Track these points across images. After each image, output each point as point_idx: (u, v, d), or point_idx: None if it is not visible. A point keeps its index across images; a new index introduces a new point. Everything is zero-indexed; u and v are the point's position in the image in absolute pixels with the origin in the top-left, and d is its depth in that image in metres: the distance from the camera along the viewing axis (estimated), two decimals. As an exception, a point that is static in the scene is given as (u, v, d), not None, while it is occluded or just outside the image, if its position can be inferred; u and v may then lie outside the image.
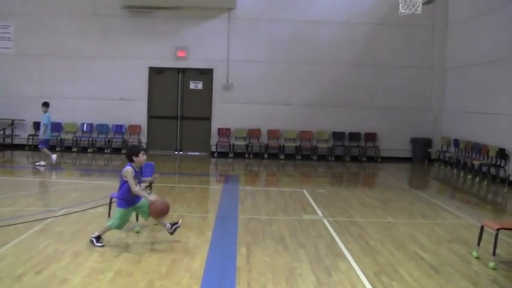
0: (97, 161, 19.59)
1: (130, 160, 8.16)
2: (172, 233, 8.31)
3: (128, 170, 8.04)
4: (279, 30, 21.49)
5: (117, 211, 8.21)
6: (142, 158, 8.19)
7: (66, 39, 21.29)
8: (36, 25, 21.30)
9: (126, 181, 8.05)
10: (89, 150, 21.05)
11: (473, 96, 19.03)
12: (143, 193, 8.24)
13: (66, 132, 21.34)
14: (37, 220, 9.56)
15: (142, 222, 9.39)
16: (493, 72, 17.59)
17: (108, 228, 8.23)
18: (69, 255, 7.66)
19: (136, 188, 8.05)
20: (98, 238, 8.15)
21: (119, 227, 8.24)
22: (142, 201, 8.20)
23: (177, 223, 8.44)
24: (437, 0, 12.81)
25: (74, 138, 21.18)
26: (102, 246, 8.06)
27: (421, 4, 10.77)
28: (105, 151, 21.12)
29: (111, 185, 13.36)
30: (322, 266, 7.65)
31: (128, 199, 8.13)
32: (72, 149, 21.08)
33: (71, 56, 21.29)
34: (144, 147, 21.23)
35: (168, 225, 8.33)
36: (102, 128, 21.39)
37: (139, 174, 8.24)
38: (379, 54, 21.55)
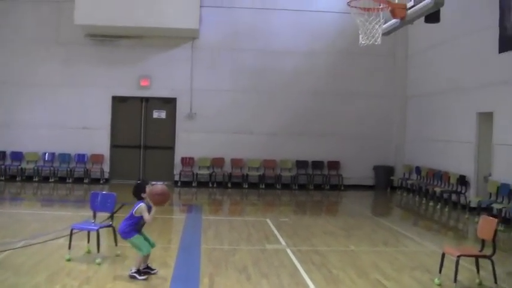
0: (58, 191, 19.32)
1: (140, 197, 8.16)
2: (138, 274, 8.13)
3: (141, 206, 8.09)
4: (242, 59, 21.62)
5: (135, 239, 8.20)
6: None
7: (28, 66, 21.08)
8: (-3, 52, 21.12)
9: (137, 217, 8.13)
10: (50, 180, 20.75)
11: (433, 124, 19.33)
12: (152, 215, 8.19)
13: (28, 162, 21.02)
14: (-5, 252, 9.39)
15: (104, 252, 9.28)
16: (452, 100, 17.92)
17: (141, 257, 8.21)
18: (28, 288, 7.53)
19: (150, 217, 8.12)
20: (138, 272, 8.12)
21: (148, 249, 8.23)
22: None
23: (153, 270, 8.41)
24: (398, 31, 12.99)
25: (35, 167, 20.88)
26: (145, 278, 8.08)
27: (380, 35, 10.92)
28: (67, 181, 20.83)
29: (73, 216, 13.24)
30: (284, 295, 7.63)
31: (136, 229, 8.22)
32: (34, 179, 20.76)
33: (33, 84, 21.07)
34: (107, 176, 21.07)
35: (144, 266, 8.30)
36: (64, 158, 21.14)
37: (151, 208, 8.20)
38: (341, 83, 21.79)
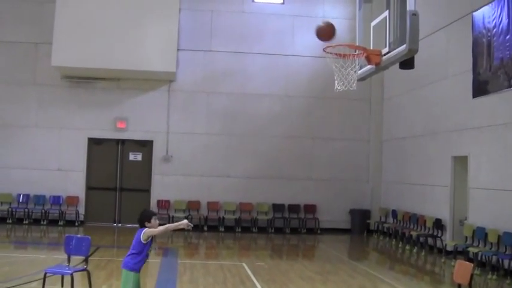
0: (32, 233, 19.04)
1: (143, 225, 7.70)
2: None
3: (146, 230, 7.53)
4: (218, 102, 21.71)
5: (131, 276, 7.43)
6: (155, 223, 7.74)
7: (3, 107, 20.92)
8: (-28, 93, 20.99)
9: (144, 244, 7.52)
10: (24, 222, 20.44)
11: (409, 167, 19.48)
12: (173, 226, 7.85)
13: (1, 203, 20.73)
14: (-34, 297, 9.20)
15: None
16: (428, 144, 18.11)
17: None
18: (-2, 334, 7.36)
19: (162, 229, 7.61)
20: None
21: None
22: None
23: None
24: (373, 77, 13.17)
25: (9, 209, 20.59)
26: None
27: (355, 81, 11.05)
28: (42, 223, 20.55)
29: (46, 259, 13.06)
30: None
31: (141, 263, 7.54)
32: (7, 221, 20.44)
33: (9, 124, 20.91)
34: (82, 218, 20.85)
35: None
36: (39, 199, 20.89)
37: (151, 240, 7.74)
38: (317, 126, 21.94)
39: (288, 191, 21.63)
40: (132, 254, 7.50)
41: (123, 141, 21.62)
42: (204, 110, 21.69)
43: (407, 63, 10.88)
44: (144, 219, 7.73)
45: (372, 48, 11.20)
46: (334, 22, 10.80)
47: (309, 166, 21.84)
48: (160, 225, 7.60)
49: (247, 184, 21.51)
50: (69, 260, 9.57)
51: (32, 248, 16.35)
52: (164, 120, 21.49)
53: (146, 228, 7.58)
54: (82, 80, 21.16)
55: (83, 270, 9.46)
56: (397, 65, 11.10)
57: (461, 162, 16.16)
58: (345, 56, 10.85)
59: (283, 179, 21.69)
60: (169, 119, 21.52)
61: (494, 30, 13.99)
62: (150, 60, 19.85)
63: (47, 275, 9.11)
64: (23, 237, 18.49)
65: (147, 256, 7.57)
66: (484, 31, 14.52)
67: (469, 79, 15.12)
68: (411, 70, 12.50)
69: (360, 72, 11.69)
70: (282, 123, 21.82)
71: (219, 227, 21.02)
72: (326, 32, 7.66)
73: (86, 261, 9.60)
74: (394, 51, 10.28)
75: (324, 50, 10.64)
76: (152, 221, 7.72)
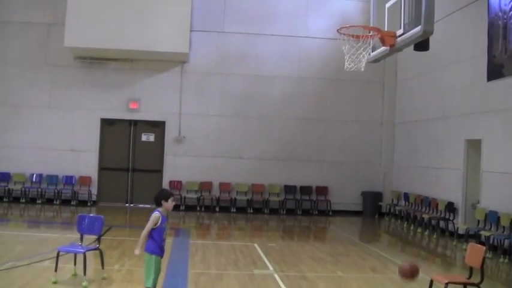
0: (45, 213, 19.17)
1: (159, 204, 7.70)
2: None
3: (155, 215, 7.53)
4: (231, 84, 21.67)
5: (153, 259, 7.47)
6: (171, 204, 7.80)
7: (16, 88, 21.03)
8: (-14, 74, 21.07)
9: (153, 229, 7.52)
10: (37, 202, 20.59)
11: (422, 150, 19.41)
12: (141, 241, 7.50)
13: (15, 183, 20.88)
14: (-20, 275, 9.29)
15: (90, 276, 9.19)
16: (441, 127, 18.02)
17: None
18: (12, 311, 7.43)
19: (145, 233, 7.46)
20: None
21: (151, 283, 7.48)
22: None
23: None
24: (387, 58, 13.12)
25: (23, 188, 20.74)
26: None
27: (365, 62, 11.02)
28: (54, 202, 20.69)
29: (59, 238, 13.14)
30: (272, 322, 7.58)
31: (160, 245, 7.54)
32: (20, 200, 20.60)
33: (22, 105, 21.01)
34: (94, 199, 20.97)
35: None
36: (52, 179, 21.02)
37: (165, 220, 7.69)
38: (330, 109, 21.88)
39: (300, 172, 21.62)
40: (151, 237, 7.53)
41: (135, 122, 21.66)
42: (217, 91, 21.66)
43: (422, 45, 10.83)
44: (160, 198, 7.72)
45: (386, 29, 11.15)
46: (349, 3, 10.71)
47: (321, 148, 21.80)
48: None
49: (260, 165, 21.51)
50: (81, 239, 9.64)
51: (45, 227, 16.46)
52: (177, 101, 21.48)
53: (157, 214, 7.56)
54: (95, 60, 21.18)
55: (95, 249, 9.53)
56: (412, 47, 11.05)
57: (474, 146, 16.07)
58: (359, 37, 10.81)
59: (295, 161, 21.68)
60: (181, 100, 21.52)
61: (511, 12, 13.83)
62: (162, 41, 19.80)
63: (60, 253, 9.18)
64: (36, 216, 18.62)
65: (163, 240, 7.60)
66: (500, 13, 14.35)
67: (484, 62, 14.97)
68: (425, 52, 12.46)
69: (373, 54, 11.65)
70: (295, 105, 21.76)
71: (231, 208, 21.07)
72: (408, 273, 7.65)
73: (98, 240, 9.67)
74: (409, 32, 10.22)
75: (337, 31, 10.59)
76: (169, 201, 7.74)
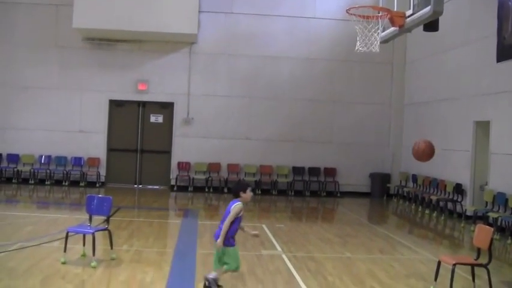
0: (54, 194, 19.27)
1: (237, 195, 7.84)
2: (216, 285, 7.80)
3: (239, 206, 7.72)
4: (239, 65, 21.62)
5: (233, 250, 7.82)
6: (249, 194, 7.88)
7: (25, 69, 21.06)
8: (-5, 55, 21.11)
9: (237, 218, 7.74)
10: (46, 183, 20.70)
11: (430, 132, 19.31)
12: (224, 233, 7.70)
13: (24, 164, 20.98)
14: (-10, 255, 9.36)
15: (99, 256, 9.25)
16: (450, 108, 17.95)
17: (226, 271, 7.93)
18: (22, 291, 7.50)
19: (228, 224, 7.68)
20: (215, 282, 7.78)
21: (238, 265, 7.94)
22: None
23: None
24: (396, 39, 13.06)
25: (31, 170, 20.84)
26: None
27: (378, 43, 10.95)
28: (63, 184, 20.79)
29: (68, 219, 13.22)
30: (280, 302, 7.62)
31: (234, 236, 7.81)
32: (30, 181, 20.72)
33: (30, 86, 21.05)
34: (103, 180, 21.05)
35: (215, 276, 7.82)
36: (61, 161, 21.10)
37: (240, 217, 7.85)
38: (338, 90, 21.80)
39: (308, 154, 21.60)
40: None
41: (144, 103, 21.66)
42: (226, 72, 21.62)
43: (431, 25, 10.77)
44: (239, 189, 7.86)
45: (395, 10, 11.08)
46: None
47: (329, 129, 21.77)
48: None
49: (268, 147, 21.52)
50: (90, 220, 9.69)
51: (54, 208, 16.57)
52: (185, 82, 21.46)
53: (239, 204, 7.72)
54: (103, 41, 21.17)
55: (104, 229, 9.58)
56: (421, 27, 10.98)
57: (483, 128, 16.02)
58: (368, 17, 10.75)
59: (303, 142, 21.66)
60: (190, 81, 21.49)
61: (521, -8, 13.73)
62: (171, 22, 19.73)
63: (69, 234, 9.24)
64: (45, 197, 18.72)
65: (236, 230, 7.82)
66: (510, -6, 14.24)
67: (494, 43, 14.89)
68: (434, 33, 12.38)
69: (383, 34, 11.59)
70: (304, 87, 21.69)
71: (239, 189, 21.04)
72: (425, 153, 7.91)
73: (107, 221, 9.72)
74: (419, 13, 10.16)
75: (347, 12, 10.54)
76: (247, 191, 7.85)
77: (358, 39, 10.97)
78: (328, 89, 21.77)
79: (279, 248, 11.28)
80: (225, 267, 7.81)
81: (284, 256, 10.52)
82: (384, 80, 22.03)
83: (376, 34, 11.20)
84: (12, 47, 21.07)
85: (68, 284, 7.89)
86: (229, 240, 7.71)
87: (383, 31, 11.65)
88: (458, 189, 16.73)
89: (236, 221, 7.73)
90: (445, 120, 18.24)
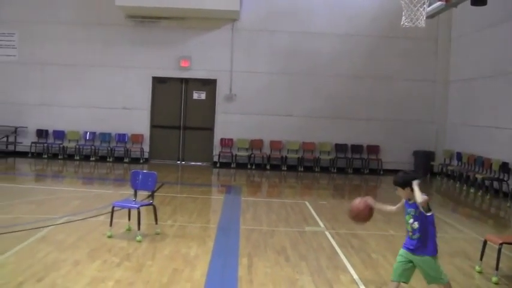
0: (99, 170, 19.57)
1: (404, 187, 6.49)
2: None
3: (425, 198, 6.18)
4: (281, 41, 21.50)
5: (433, 262, 6.28)
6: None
7: (69, 47, 21.33)
8: (40, 33, 21.34)
9: (428, 215, 6.26)
10: (91, 159, 21.02)
11: (475, 109, 19.02)
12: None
13: (69, 140, 21.32)
14: (38, 228, 9.54)
15: (144, 230, 9.36)
16: (496, 86, 17.59)
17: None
18: (69, 263, 7.62)
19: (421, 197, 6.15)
20: None
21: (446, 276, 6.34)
22: None
23: None
24: (441, 14, 12.81)
25: (77, 146, 21.17)
26: None
27: (424, 18, 10.75)
28: (108, 160, 21.08)
29: (113, 194, 13.41)
30: (323, 278, 7.62)
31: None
32: (75, 157, 21.06)
33: (74, 64, 21.33)
34: (147, 156, 21.26)
35: None
36: (105, 137, 21.38)
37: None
38: (381, 66, 21.52)
39: (351, 131, 21.45)
40: (419, 237, 6.34)
41: (186, 80, 21.75)
42: (267, 48, 21.54)
43: (479, -1, 10.53)
44: (410, 179, 6.45)
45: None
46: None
47: (372, 106, 21.55)
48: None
49: (310, 123, 21.42)
50: (135, 195, 9.80)
51: (99, 184, 16.80)
52: (228, 59, 21.45)
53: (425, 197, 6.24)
54: (146, 19, 21.27)
55: (149, 204, 9.68)
56: (469, 1, 10.75)
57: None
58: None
59: (346, 119, 21.51)
60: (232, 57, 21.47)
61: None
62: (213, -2, 19.75)
63: (115, 208, 9.36)
64: (90, 173, 19.01)
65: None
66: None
67: (543, 17, 14.54)
68: (482, 7, 12.10)
69: (429, 9, 11.38)
70: (345, 63, 21.49)
71: (282, 166, 21.10)
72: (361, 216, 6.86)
73: (152, 196, 9.82)
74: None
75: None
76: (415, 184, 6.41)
77: (403, 13, 10.79)
78: (371, 65, 21.51)
79: (322, 225, 11.26)
80: (440, 281, 6.33)
81: (327, 233, 10.50)
82: (427, 56, 21.66)
83: (421, 9, 11.00)
84: (56, 25, 21.34)
85: (114, 257, 8.01)
86: (433, 249, 6.32)
87: (429, 6, 11.45)
88: (505, 168, 16.40)
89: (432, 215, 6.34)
90: (492, 96, 17.87)
